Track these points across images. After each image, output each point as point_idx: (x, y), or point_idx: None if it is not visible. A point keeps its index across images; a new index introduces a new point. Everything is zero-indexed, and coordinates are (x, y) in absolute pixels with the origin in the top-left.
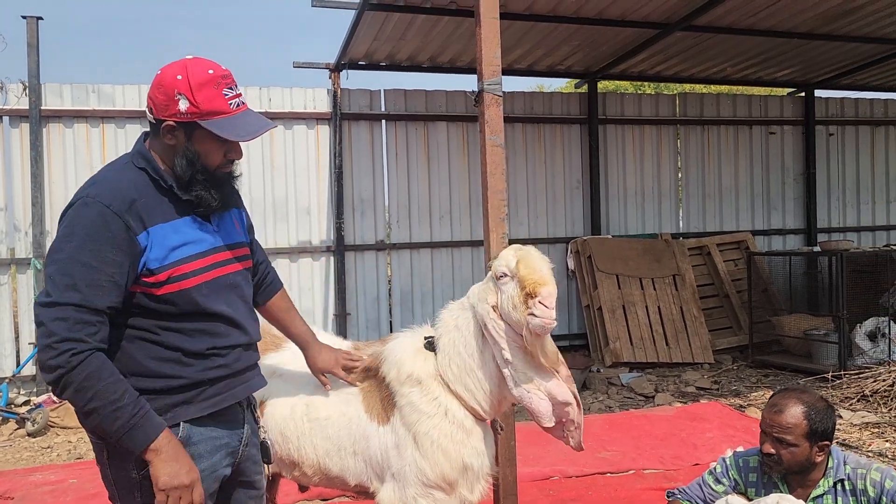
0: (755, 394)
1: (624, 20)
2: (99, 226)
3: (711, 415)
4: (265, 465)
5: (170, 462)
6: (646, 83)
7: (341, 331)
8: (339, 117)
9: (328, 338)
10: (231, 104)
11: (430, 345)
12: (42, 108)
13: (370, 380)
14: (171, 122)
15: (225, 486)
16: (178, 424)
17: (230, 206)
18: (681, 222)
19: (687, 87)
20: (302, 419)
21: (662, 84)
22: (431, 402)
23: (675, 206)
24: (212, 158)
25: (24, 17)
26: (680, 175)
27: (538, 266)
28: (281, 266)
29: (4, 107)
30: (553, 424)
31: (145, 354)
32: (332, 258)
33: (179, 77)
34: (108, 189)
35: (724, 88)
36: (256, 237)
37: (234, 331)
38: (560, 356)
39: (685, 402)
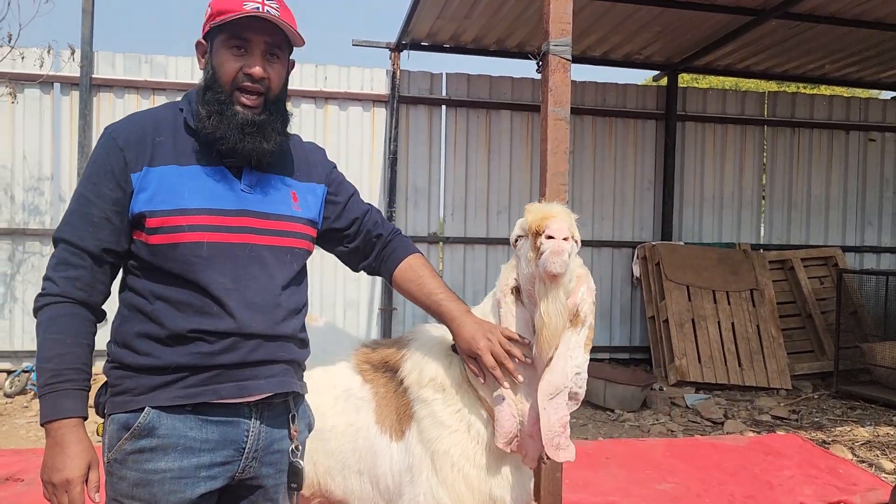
0: (840, 429)
1: (713, 4)
2: (103, 158)
3: (790, 450)
4: (294, 493)
5: (51, 451)
6: (721, 77)
7: (386, 326)
8: (397, 100)
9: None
10: (246, 5)
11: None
12: (93, 76)
13: (387, 383)
14: (200, 40)
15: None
16: (143, 409)
17: (264, 162)
18: (762, 233)
19: (773, 84)
20: None
21: (741, 81)
22: (454, 415)
23: (757, 214)
24: (225, 70)
25: None
26: (764, 181)
27: (545, 206)
28: (326, 254)
29: (56, 73)
30: (507, 450)
31: (136, 327)
32: None
33: None
34: (125, 122)
35: (817, 89)
36: None
37: (226, 315)
38: (553, 341)
39: (759, 432)
